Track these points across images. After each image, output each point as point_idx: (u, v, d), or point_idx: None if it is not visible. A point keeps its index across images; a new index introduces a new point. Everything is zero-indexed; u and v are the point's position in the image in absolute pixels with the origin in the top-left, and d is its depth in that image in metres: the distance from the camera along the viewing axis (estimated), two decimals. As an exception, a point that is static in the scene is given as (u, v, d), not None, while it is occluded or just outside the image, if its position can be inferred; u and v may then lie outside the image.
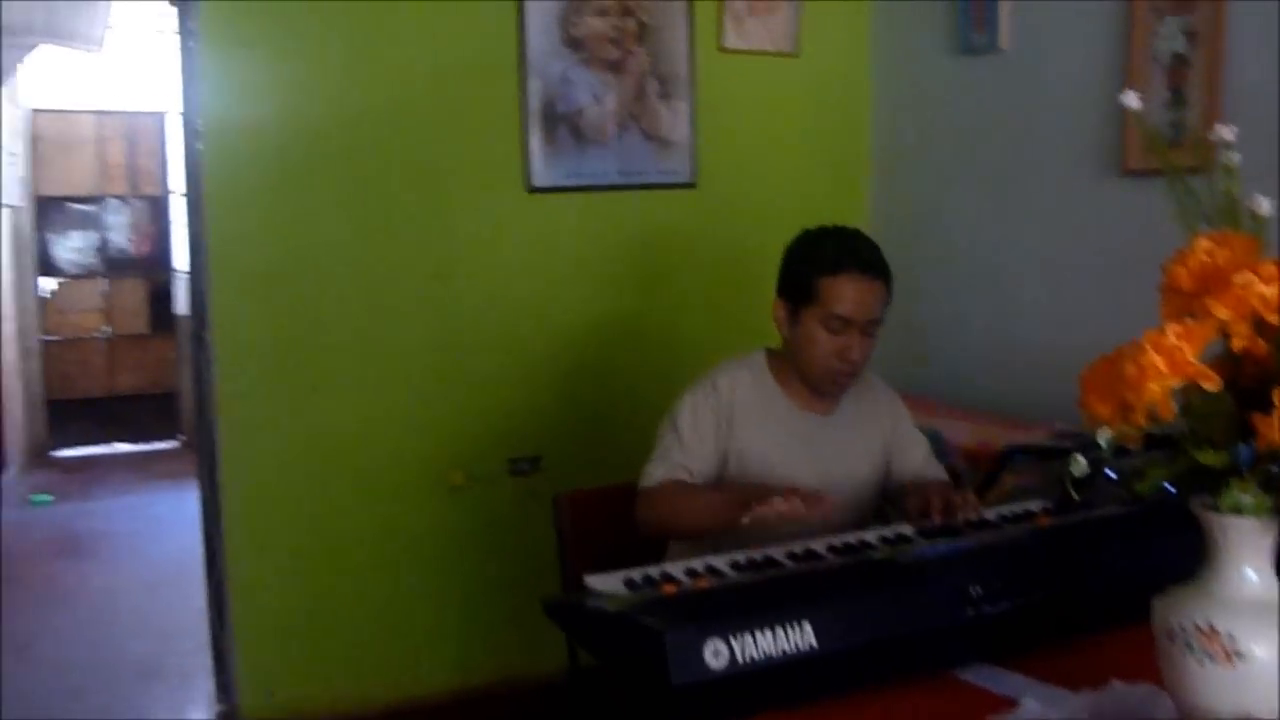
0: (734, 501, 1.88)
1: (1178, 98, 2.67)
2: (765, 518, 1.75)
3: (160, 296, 7.30)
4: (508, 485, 3.42)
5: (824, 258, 2.09)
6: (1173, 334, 1.13)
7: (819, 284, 2.07)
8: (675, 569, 1.68)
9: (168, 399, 7.29)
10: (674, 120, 3.49)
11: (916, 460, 2.28)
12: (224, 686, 3.34)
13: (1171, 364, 1.12)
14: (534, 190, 3.35)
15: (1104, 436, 1.19)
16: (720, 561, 1.71)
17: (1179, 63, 2.67)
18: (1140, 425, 1.15)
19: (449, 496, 3.36)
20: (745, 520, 1.75)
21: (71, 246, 7.40)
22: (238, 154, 3.08)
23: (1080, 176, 2.94)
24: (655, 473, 2.13)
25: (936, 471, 2.29)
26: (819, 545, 1.78)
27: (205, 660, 3.40)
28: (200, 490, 3.31)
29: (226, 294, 3.11)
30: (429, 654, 3.41)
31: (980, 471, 2.61)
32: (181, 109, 3.10)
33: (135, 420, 7.36)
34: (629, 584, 1.61)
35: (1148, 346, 1.12)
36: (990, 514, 1.95)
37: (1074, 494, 1.78)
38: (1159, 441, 1.20)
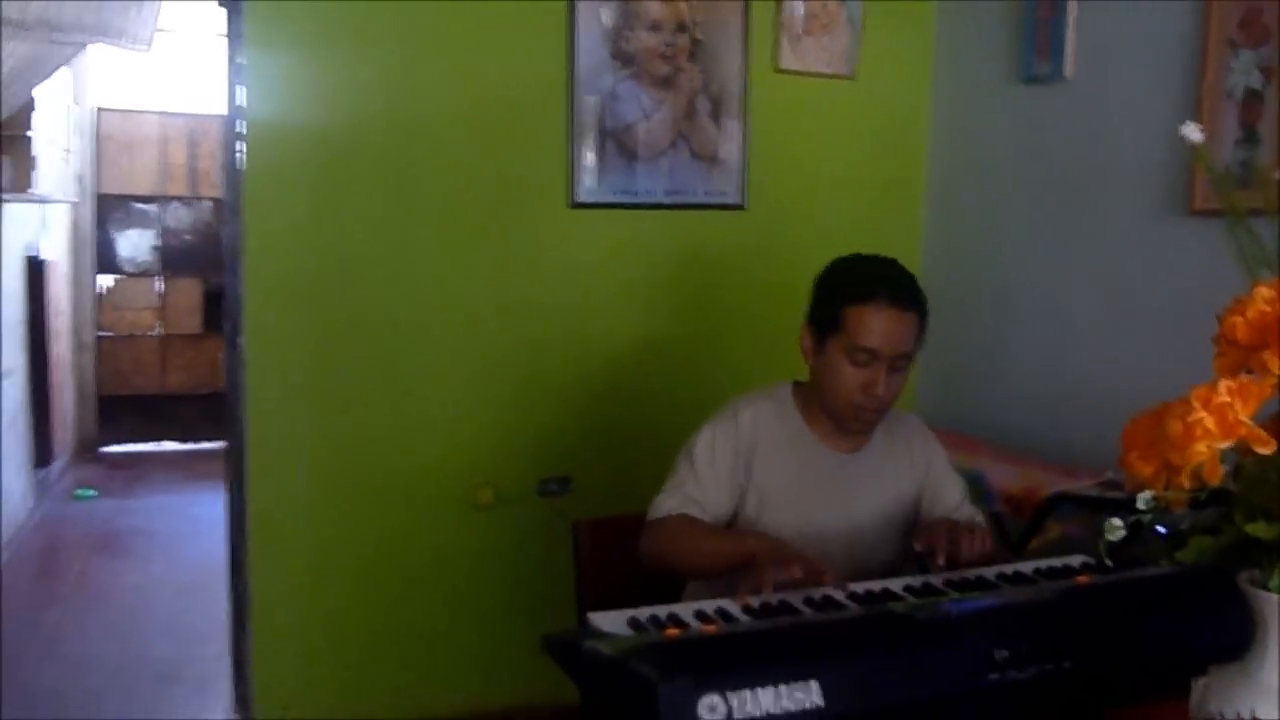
0: (737, 554, 1.82)
1: (1250, 135, 2.54)
2: (764, 590, 1.66)
3: (215, 298, 7.33)
4: (536, 506, 3.34)
5: (852, 285, 1.98)
6: (1225, 390, 1.02)
7: (845, 313, 1.96)
8: (685, 610, 1.59)
9: (217, 399, 7.27)
10: (725, 140, 3.40)
11: (950, 502, 2.16)
12: (242, 698, 3.29)
13: (1222, 423, 1.01)
14: (578, 205, 3.28)
15: (1145, 499, 1.08)
16: (734, 605, 1.61)
17: (1253, 99, 2.54)
18: (1185, 488, 1.04)
19: (476, 515, 3.29)
20: (738, 601, 1.64)
21: (130, 244, 7.46)
22: (279, 159, 3.05)
23: (1145, 214, 2.81)
24: (665, 504, 2.03)
25: (971, 515, 2.16)
26: (839, 593, 1.67)
27: (225, 669, 3.35)
28: (228, 496, 3.27)
29: (261, 299, 3.07)
30: (447, 675, 3.33)
31: (1024, 519, 2.49)
32: (225, 111, 3.07)
33: (184, 419, 7.39)
34: (633, 624, 1.52)
35: (1196, 403, 1.02)
36: (1026, 567, 1.83)
37: (1107, 559, 1.65)
38: (1213, 498, 1.11)
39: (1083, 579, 1.71)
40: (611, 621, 1.52)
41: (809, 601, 1.63)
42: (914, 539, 1.92)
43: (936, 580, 1.77)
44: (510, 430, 3.31)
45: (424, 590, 3.29)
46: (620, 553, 2.25)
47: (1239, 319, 1.08)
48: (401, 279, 3.18)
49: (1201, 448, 1.01)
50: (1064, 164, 3.10)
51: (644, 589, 2.03)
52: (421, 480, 3.25)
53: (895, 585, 1.73)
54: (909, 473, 2.15)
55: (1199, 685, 1.11)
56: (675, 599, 2.18)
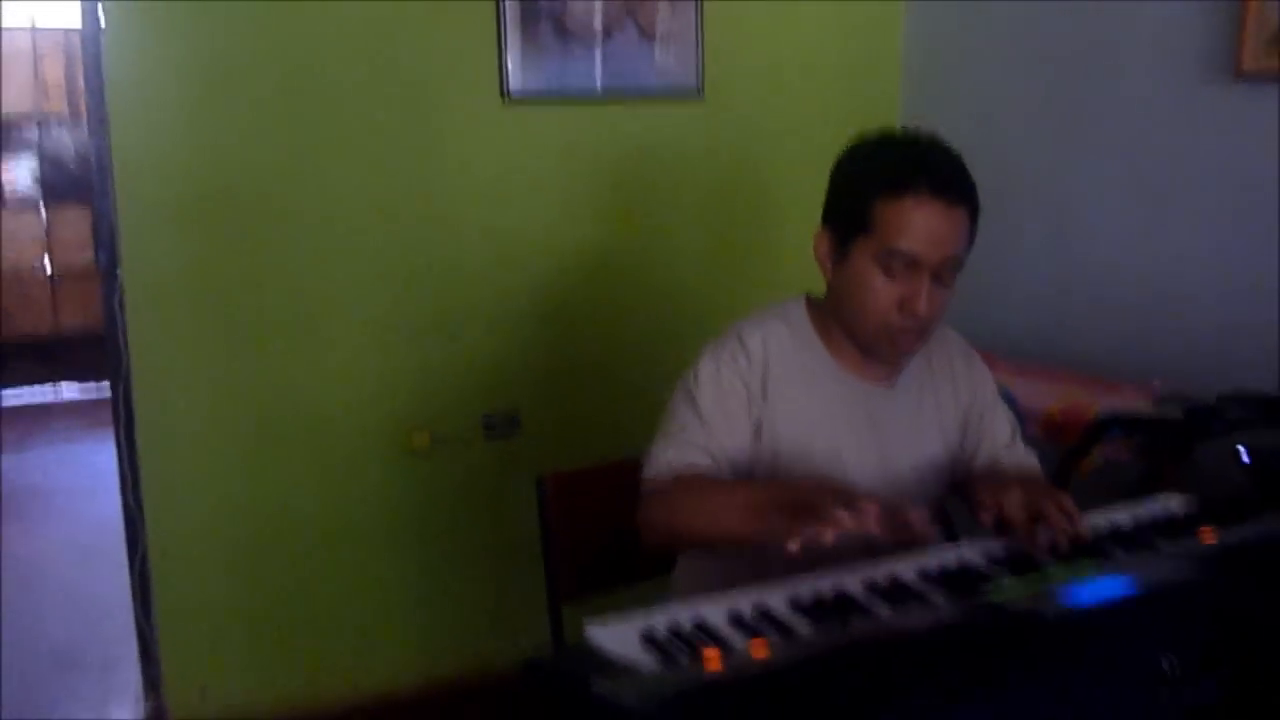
0: (779, 503, 1.33)
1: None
2: (823, 539, 1.20)
3: (106, 227, 6.73)
4: (480, 448, 2.92)
5: (884, 172, 1.54)
6: None
7: (876, 208, 1.53)
8: (714, 613, 1.18)
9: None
10: (676, 17, 2.93)
11: (999, 442, 1.76)
12: (151, 682, 2.86)
13: None
14: (511, 99, 2.80)
15: None
16: (776, 599, 1.21)
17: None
18: None
19: (410, 461, 2.87)
20: (794, 547, 1.21)
21: (7, 172, 6.79)
22: (149, 60, 2.52)
23: (1180, 81, 2.42)
24: (664, 458, 1.59)
25: (1024, 460, 1.76)
26: (907, 569, 1.28)
27: (131, 650, 2.91)
28: (117, 451, 2.80)
29: (139, 224, 2.57)
30: (389, 644, 2.94)
31: (1061, 444, 2.12)
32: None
33: (81, 362, 6.80)
34: (649, 641, 1.11)
35: None
36: (1115, 519, 1.45)
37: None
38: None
39: (1206, 534, 1.33)
40: (618, 639, 1.11)
41: (873, 588, 1.23)
42: (976, 498, 1.52)
43: (1016, 546, 1.38)
44: (445, 364, 2.87)
45: (355, 550, 2.87)
46: (592, 509, 1.89)
47: None
48: (306, 193, 2.69)
49: None
50: (1076, 23, 2.68)
51: (625, 552, 1.70)
52: (344, 425, 2.81)
53: (972, 554, 1.34)
54: (952, 406, 1.74)
55: None
56: (666, 565, 1.81)
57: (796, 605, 1.20)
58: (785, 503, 1.32)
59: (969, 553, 1.36)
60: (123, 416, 2.70)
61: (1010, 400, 2.20)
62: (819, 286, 1.69)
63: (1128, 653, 1.00)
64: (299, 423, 2.77)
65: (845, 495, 1.25)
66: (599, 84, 2.89)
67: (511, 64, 2.78)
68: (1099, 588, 1.14)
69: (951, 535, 1.56)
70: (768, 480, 1.59)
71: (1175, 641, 1.00)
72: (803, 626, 1.14)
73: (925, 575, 1.28)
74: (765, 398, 1.62)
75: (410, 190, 2.78)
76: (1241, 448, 1.81)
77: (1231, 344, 2.35)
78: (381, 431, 2.84)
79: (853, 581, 1.25)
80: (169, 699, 2.78)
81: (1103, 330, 2.58)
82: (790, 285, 1.79)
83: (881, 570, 1.29)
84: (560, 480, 1.91)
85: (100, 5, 2.48)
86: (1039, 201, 2.79)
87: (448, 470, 2.91)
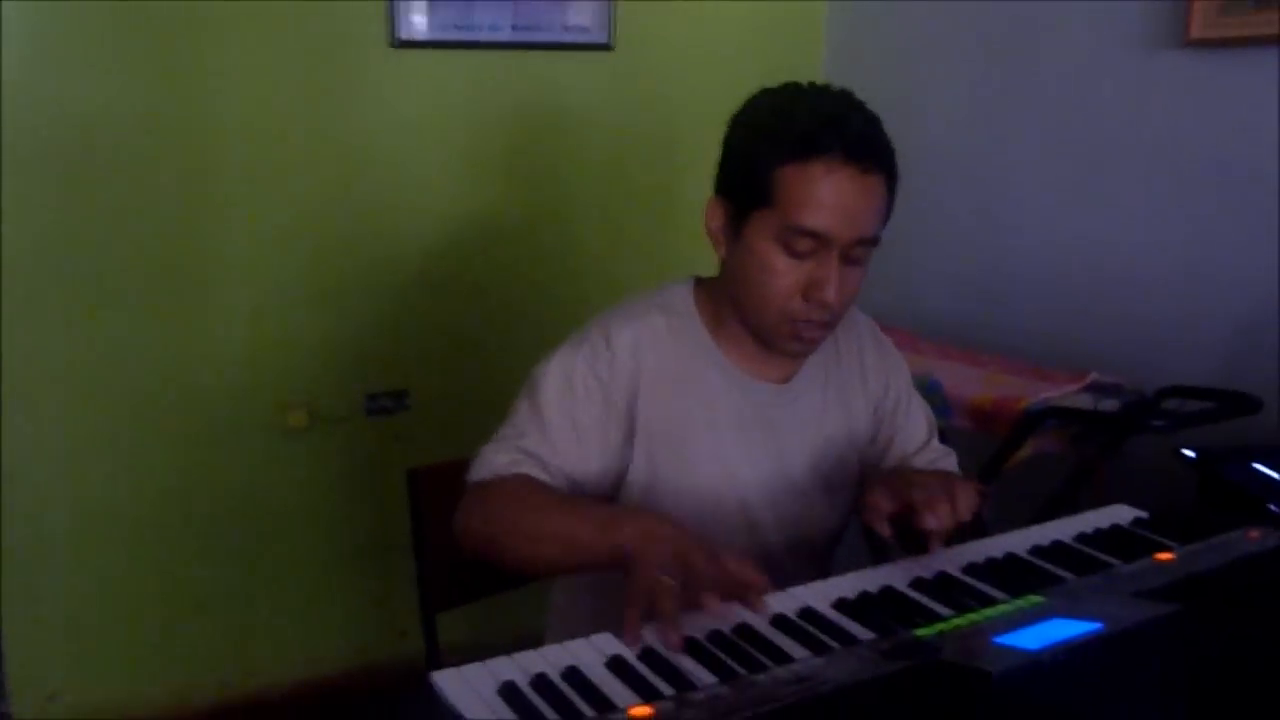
0: (603, 547, 1.15)
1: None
2: (668, 642, 1.00)
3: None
4: (365, 427, 2.69)
5: (789, 133, 1.28)
6: None
7: (778, 176, 1.28)
8: (591, 657, 0.97)
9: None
10: (585, -39, 2.71)
11: (914, 442, 1.55)
12: (-4, 683, 2.59)
13: None
14: (401, 44, 2.55)
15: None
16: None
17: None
18: None
19: (286, 442, 2.62)
20: (630, 642, 1.01)
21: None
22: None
23: (1125, 49, 2.25)
24: (493, 460, 1.34)
25: (940, 462, 1.54)
26: (820, 599, 1.09)
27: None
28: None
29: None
30: (264, 642, 2.70)
31: (993, 436, 1.95)
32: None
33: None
34: (509, 697, 0.90)
35: None
36: (1055, 533, 1.28)
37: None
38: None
39: (1164, 555, 1.16)
40: (471, 694, 0.90)
41: (783, 624, 1.04)
42: (865, 496, 1.28)
43: (941, 565, 1.19)
44: (325, 335, 2.62)
45: (227, 538, 2.62)
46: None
47: None
48: (171, 144, 2.41)
49: None
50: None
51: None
52: (213, 401, 2.55)
53: (897, 577, 1.15)
54: (862, 400, 1.52)
55: None
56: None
57: (694, 647, 1.00)
58: (607, 554, 1.13)
59: (891, 574, 1.17)
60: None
61: (936, 388, 2.04)
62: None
63: (1081, 708, 0.82)
64: (161, 402, 2.50)
65: (682, 551, 1.06)
66: (502, 31, 2.65)
67: (404, 7, 2.53)
68: (1048, 629, 0.95)
69: (880, 549, 1.37)
70: (601, 508, 1.33)
71: (1134, 692, 0.83)
72: (701, 675, 0.94)
73: (843, 605, 1.09)
74: (637, 406, 1.38)
75: (288, 146, 2.52)
76: (1188, 451, 1.67)
77: (1172, 328, 2.21)
78: (256, 408, 2.59)
79: (759, 621, 1.05)
80: (14, 706, 2.52)
81: (1033, 313, 2.42)
82: (699, 256, 1.57)
83: (791, 600, 1.09)
84: (437, 474, 1.67)
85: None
86: (967, 175, 2.63)
87: (328, 450, 2.67)
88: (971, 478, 1.32)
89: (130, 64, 2.35)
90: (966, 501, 1.20)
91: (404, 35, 2.54)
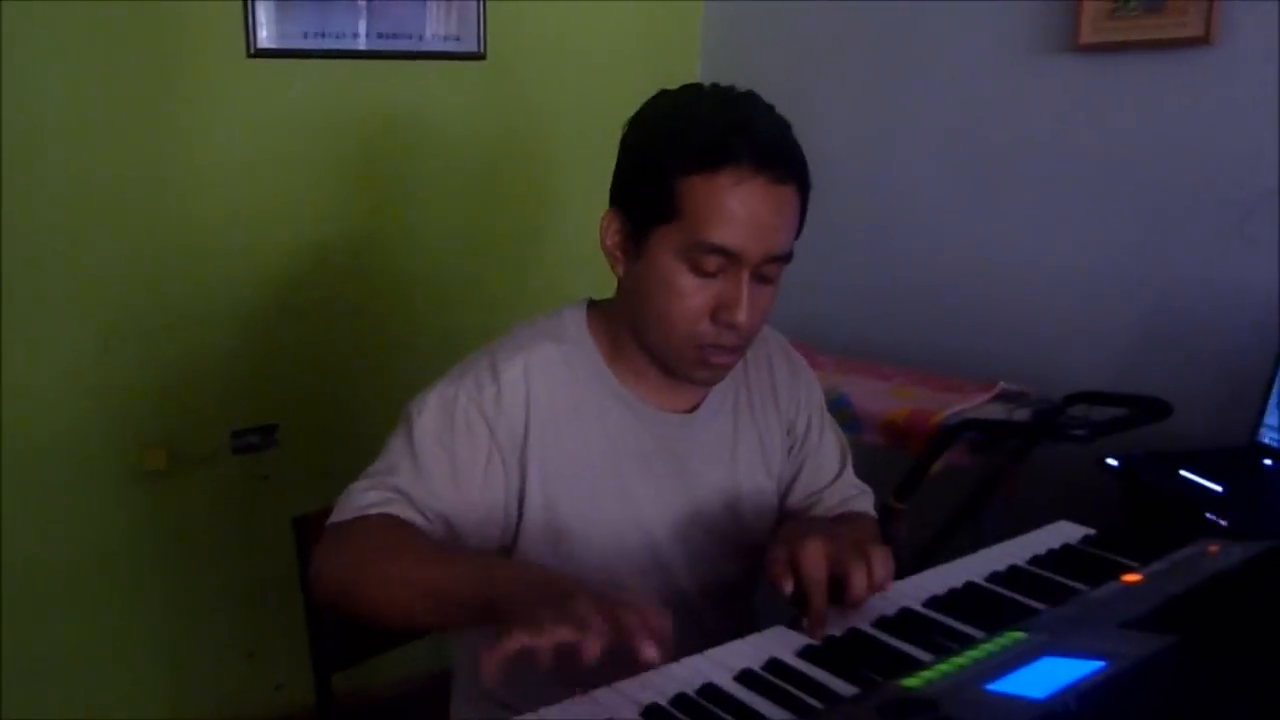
0: (474, 599, 1.01)
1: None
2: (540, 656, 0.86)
3: None
4: (231, 466, 2.50)
5: (693, 140, 1.17)
6: None
7: (682, 188, 1.17)
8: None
9: None
10: (454, -34, 2.58)
11: (824, 475, 1.44)
12: None
13: None
14: (259, 54, 2.38)
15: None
16: (618, 701, 0.89)
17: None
18: None
19: (146, 484, 2.43)
20: (486, 676, 0.86)
21: None
22: None
23: (1015, 54, 2.24)
24: (359, 498, 1.19)
25: (851, 500, 1.44)
26: (780, 649, 0.99)
27: None
28: None
29: None
30: (125, 698, 2.48)
31: (908, 452, 1.89)
32: None
33: None
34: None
35: None
36: (1008, 556, 1.22)
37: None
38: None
39: (1131, 577, 1.10)
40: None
41: (749, 679, 0.94)
42: (769, 564, 1.12)
43: (901, 600, 1.11)
44: (184, 370, 2.43)
45: (82, 591, 2.40)
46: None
47: None
48: (10, 168, 2.19)
49: None
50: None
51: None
52: (62, 444, 2.34)
53: (850, 620, 1.06)
54: (776, 422, 1.42)
55: None
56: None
57: (655, 712, 0.88)
58: (478, 606, 0.99)
59: (849, 613, 1.08)
60: None
61: (844, 403, 1.97)
62: (611, 280, 1.32)
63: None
64: (6, 444, 2.27)
65: (583, 597, 0.91)
66: (364, 38, 2.50)
67: (263, 12, 2.36)
68: (1045, 672, 0.87)
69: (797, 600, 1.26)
70: (470, 558, 1.18)
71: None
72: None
73: (810, 652, 0.99)
74: (528, 442, 1.25)
75: (139, 163, 2.32)
76: (1112, 460, 1.63)
77: (1070, 333, 2.19)
78: (109, 451, 2.39)
79: (720, 670, 0.95)
80: None
81: (931, 322, 2.39)
82: (579, 277, 1.45)
83: (755, 651, 0.99)
84: (322, 521, 1.52)
85: None
86: (858, 183, 2.58)
87: (191, 493, 2.47)
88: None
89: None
90: (884, 570, 1.08)
91: (262, 44, 2.37)
